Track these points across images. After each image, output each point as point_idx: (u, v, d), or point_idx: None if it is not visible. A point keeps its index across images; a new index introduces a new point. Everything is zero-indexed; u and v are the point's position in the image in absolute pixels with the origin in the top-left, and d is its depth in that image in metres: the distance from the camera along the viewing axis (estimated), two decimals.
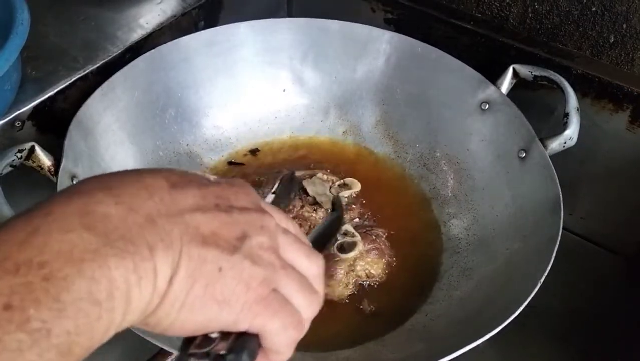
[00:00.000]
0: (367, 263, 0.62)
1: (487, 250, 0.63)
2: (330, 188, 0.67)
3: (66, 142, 0.57)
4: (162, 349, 0.47)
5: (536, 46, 0.70)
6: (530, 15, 0.71)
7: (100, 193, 0.26)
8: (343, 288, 0.61)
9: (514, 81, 0.67)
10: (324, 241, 0.41)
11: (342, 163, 0.73)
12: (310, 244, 0.34)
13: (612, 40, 0.67)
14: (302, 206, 0.65)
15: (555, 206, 0.57)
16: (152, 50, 0.68)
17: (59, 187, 0.54)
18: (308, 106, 0.76)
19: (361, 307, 0.60)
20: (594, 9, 0.66)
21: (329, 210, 0.65)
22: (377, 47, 0.73)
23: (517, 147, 0.63)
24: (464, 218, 0.67)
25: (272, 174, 0.68)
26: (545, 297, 0.51)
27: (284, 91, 0.76)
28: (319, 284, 0.33)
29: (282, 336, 0.30)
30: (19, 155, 0.55)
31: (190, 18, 0.75)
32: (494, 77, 0.67)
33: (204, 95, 0.73)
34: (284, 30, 0.74)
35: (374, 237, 0.63)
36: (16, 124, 0.60)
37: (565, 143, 0.61)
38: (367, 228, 0.64)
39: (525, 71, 0.66)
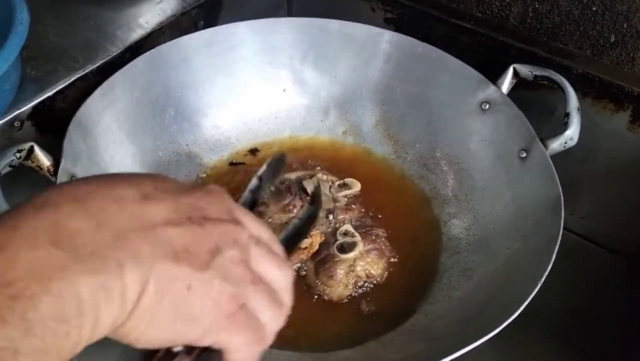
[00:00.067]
0: (367, 263, 0.61)
1: (487, 250, 0.63)
2: (330, 187, 0.67)
3: (65, 142, 0.57)
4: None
5: (536, 46, 0.70)
6: (530, 14, 0.71)
7: (69, 207, 0.26)
8: (343, 289, 0.60)
9: (515, 80, 0.67)
10: (295, 240, 0.40)
11: (342, 163, 0.73)
12: (282, 252, 0.33)
13: (612, 40, 0.67)
14: (302, 206, 0.64)
15: (556, 206, 0.57)
16: (152, 50, 0.68)
17: None
18: (308, 106, 0.76)
19: (361, 307, 0.60)
20: (594, 8, 0.66)
21: (327, 209, 0.65)
22: (377, 46, 0.73)
23: (517, 147, 0.63)
24: (464, 218, 0.67)
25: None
26: (545, 297, 0.51)
27: (284, 90, 0.76)
28: (287, 296, 0.33)
29: (246, 352, 0.30)
30: (18, 155, 0.55)
31: (190, 18, 0.75)
32: (495, 77, 0.67)
33: (204, 95, 0.73)
34: (283, 30, 0.74)
35: (374, 237, 0.63)
36: (15, 124, 0.60)
37: (565, 143, 0.61)
38: (367, 228, 0.64)
39: (525, 70, 0.66)
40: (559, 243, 0.54)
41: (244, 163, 0.73)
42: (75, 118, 0.60)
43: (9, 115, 0.59)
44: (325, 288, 0.60)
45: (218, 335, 0.29)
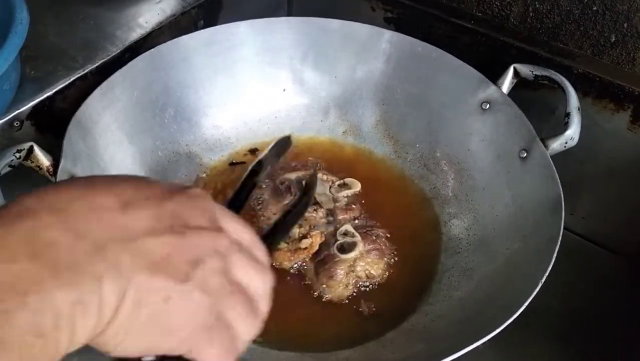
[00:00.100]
0: (367, 263, 0.61)
1: (487, 250, 0.63)
2: (330, 187, 0.67)
3: (65, 142, 0.57)
4: None
5: (537, 46, 0.69)
6: (531, 14, 0.71)
7: (48, 217, 0.25)
8: (343, 289, 0.60)
9: (515, 80, 0.66)
10: (284, 228, 0.40)
11: (342, 163, 0.73)
12: (264, 254, 0.33)
13: (613, 39, 0.67)
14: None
15: (556, 206, 0.57)
16: (152, 50, 0.68)
17: None
18: (308, 105, 0.76)
19: (361, 307, 0.60)
20: (594, 8, 0.66)
21: (327, 209, 0.65)
22: (377, 46, 0.73)
23: (517, 147, 0.63)
24: (465, 218, 0.67)
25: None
26: (545, 297, 0.51)
27: (284, 90, 0.76)
28: (264, 304, 0.32)
29: None
30: (17, 155, 0.54)
31: (190, 17, 0.75)
32: (495, 77, 0.66)
33: (204, 95, 0.72)
34: (283, 30, 0.74)
35: (374, 237, 0.63)
36: (15, 123, 0.60)
37: (566, 143, 0.61)
38: (367, 228, 0.64)
39: (526, 70, 0.66)
40: (559, 243, 0.54)
41: (244, 163, 0.73)
42: (74, 118, 0.60)
43: (9, 115, 0.59)
44: (325, 288, 0.60)
45: (193, 345, 0.29)
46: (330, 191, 0.67)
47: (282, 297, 0.60)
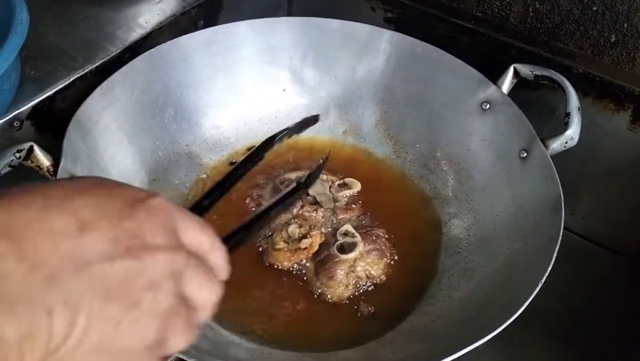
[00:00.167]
0: (367, 263, 0.61)
1: (487, 250, 0.63)
2: (330, 187, 0.67)
3: (65, 142, 0.57)
4: None
5: (537, 45, 0.69)
6: (531, 14, 0.71)
7: (2, 244, 0.25)
8: (343, 289, 0.60)
9: (515, 80, 0.66)
10: (265, 221, 0.40)
11: (342, 163, 0.73)
12: (222, 259, 0.33)
13: (613, 39, 0.67)
14: (302, 206, 0.64)
15: (556, 206, 0.57)
16: (152, 50, 0.68)
17: None
18: (308, 105, 0.76)
19: (361, 308, 0.60)
20: (594, 8, 0.66)
21: (327, 209, 0.65)
22: (377, 46, 0.73)
23: (517, 147, 0.63)
24: (465, 218, 0.67)
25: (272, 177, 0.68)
26: (545, 297, 0.51)
27: (284, 90, 0.76)
28: (204, 315, 0.33)
29: None
30: (17, 155, 0.54)
31: (190, 17, 0.75)
32: (495, 77, 0.66)
33: (204, 94, 0.72)
34: (283, 30, 0.74)
35: (374, 238, 0.63)
36: (15, 123, 0.60)
37: (566, 143, 0.61)
38: (367, 229, 0.64)
39: (526, 70, 0.66)
40: (559, 243, 0.54)
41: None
42: (74, 118, 0.60)
43: (9, 115, 0.59)
44: (325, 288, 0.60)
45: None
46: (330, 191, 0.67)
47: (282, 297, 0.61)
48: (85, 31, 0.69)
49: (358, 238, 0.62)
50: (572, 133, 0.61)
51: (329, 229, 0.64)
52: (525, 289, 0.51)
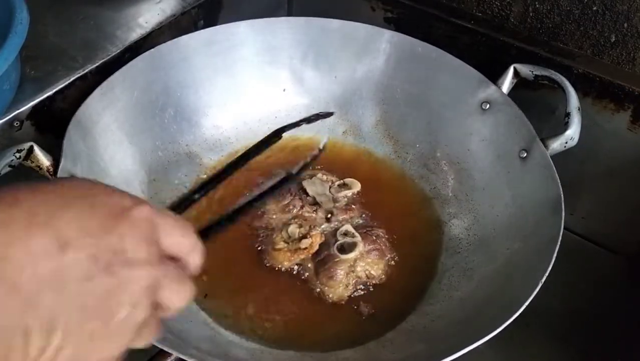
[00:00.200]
0: (367, 263, 0.61)
1: (487, 250, 0.63)
2: (330, 187, 0.67)
3: (65, 142, 0.57)
4: (161, 350, 0.47)
5: (537, 45, 0.69)
6: (531, 14, 0.71)
7: None
8: (343, 289, 0.60)
9: (515, 80, 0.66)
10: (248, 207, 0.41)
11: (342, 163, 0.73)
12: (198, 259, 0.33)
13: (613, 39, 0.67)
14: (302, 207, 0.64)
15: (556, 206, 0.57)
16: (152, 50, 0.68)
17: None
18: (308, 105, 0.76)
19: (361, 308, 0.60)
20: (594, 8, 0.66)
21: (327, 209, 0.65)
22: (377, 46, 0.73)
23: (518, 147, 0.63)
24: (465, 218, 0.67)
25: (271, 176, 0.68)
26: (545, 297, 0.51)
27: (284, 90, 0.76)
28: (174, 315, 0.33)
29: None
30: (17, 155, 0.54)
31: (190, 17, 0.75)
32: (495, 77, 0.66)
33: (204, 94, 0.72)
34: (283, 30, 0.74)
35: (374, 238, 0.63)
36: (15, 123, 0.60)
37: (566, 143, 0.61)
38: (367, 229, 0.64)
39: (526, 70, 0.66)
40: (559, 243, 0.54)
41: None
42: (74, 118, 0.60)
43: (9, 115, 0.59)
44: (325, 288, 0.60)
45: None
46: (330, 191, 0.67)
47: (282, 297, 0.61)
48: (85, 31, 0.69)
49: (358, 238, 0.62)
50: (572, 133, 0.61)
51: (329, 229, 0.64)
52: (525, 289, 0.51)
